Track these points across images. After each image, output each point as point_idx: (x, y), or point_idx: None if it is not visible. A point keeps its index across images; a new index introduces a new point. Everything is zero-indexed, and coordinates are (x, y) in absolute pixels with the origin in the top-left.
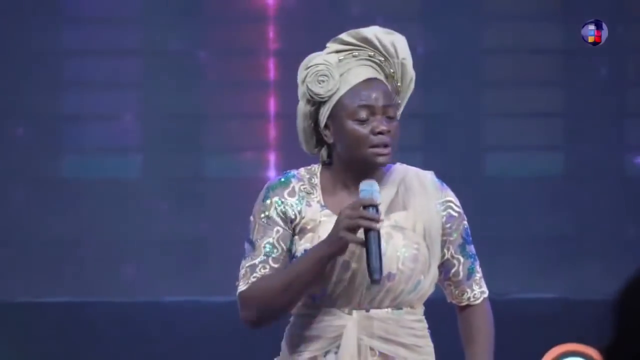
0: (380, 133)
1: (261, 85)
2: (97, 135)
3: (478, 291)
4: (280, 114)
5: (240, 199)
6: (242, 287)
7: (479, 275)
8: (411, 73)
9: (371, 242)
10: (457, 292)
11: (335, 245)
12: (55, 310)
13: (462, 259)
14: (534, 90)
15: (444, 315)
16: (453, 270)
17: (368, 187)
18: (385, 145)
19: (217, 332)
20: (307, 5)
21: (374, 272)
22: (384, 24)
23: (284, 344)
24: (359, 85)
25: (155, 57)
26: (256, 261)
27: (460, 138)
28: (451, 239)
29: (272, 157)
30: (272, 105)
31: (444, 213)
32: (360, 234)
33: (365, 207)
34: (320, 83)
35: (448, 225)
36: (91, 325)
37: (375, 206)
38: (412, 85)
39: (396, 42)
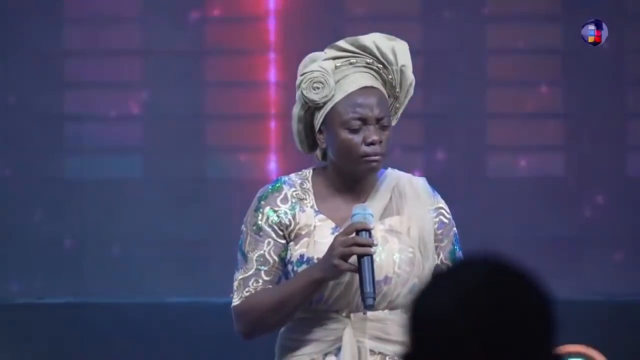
0: (372, 143)
1: (261, 85)
2: (97, 136)
3: None
4: (280, 114)
5: (241, 199)
6: (236, 301)
7: None
8: (410, 78)
9: (364, 268)
10: None
11: (329, 272)
12: (55, 311)
13: (451, 265)
14: (534, 90)
15: None
16: None
17: (361, 211)
18: (376, 155)
19: (218, 332)
20: (307, 5)
21: (367, 297)
22: (384, 24)
23: (278, 347)
24: (354, 93)
25: (155, 57)
26: (248, 274)
27: (462, 138)
28: (442, 245)
29: (272, 158)
30: (272, 105)
31: (436, 219)
32: (354, 260)
33: (358, 231)
34: (315, 90)
35: (440, 231)
36: (91, 326)
37: (369, 230)
38: (412, 90)
39: (396, 48)
